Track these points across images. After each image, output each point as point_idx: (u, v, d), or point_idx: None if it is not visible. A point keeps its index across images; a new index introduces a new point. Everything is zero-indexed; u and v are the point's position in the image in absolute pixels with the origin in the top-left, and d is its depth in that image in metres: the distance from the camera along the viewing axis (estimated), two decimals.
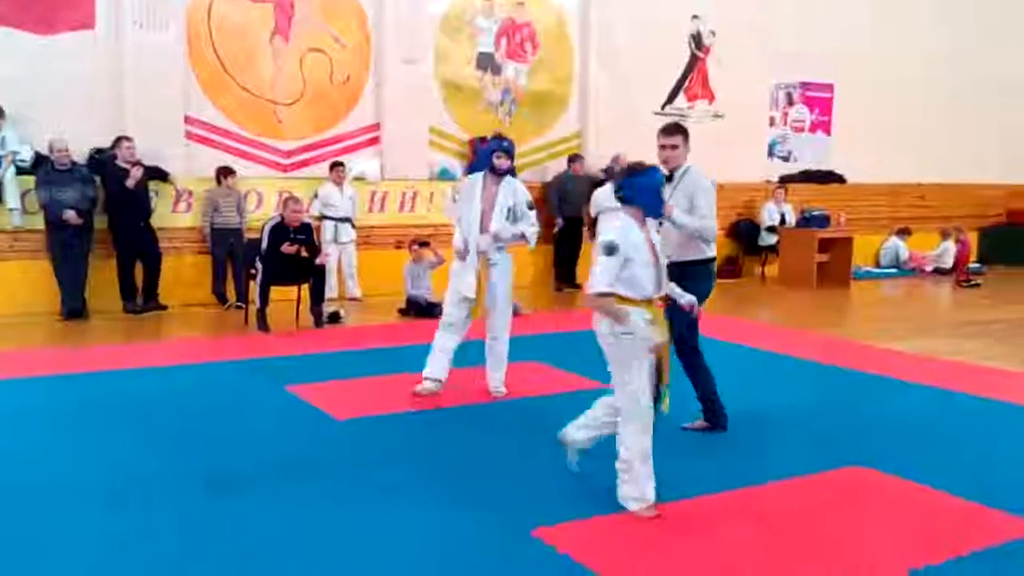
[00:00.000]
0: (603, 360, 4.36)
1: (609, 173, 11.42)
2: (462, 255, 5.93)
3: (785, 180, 13.66)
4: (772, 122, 13.98)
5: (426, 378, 6.01)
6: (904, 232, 14.25)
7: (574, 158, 11.75)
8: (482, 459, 4.81)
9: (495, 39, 11.77)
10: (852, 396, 6.34)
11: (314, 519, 3.94)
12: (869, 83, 14.04)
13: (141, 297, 9.31)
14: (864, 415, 5.79)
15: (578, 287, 11.47)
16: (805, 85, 14.11)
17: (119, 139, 9.14)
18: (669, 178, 5.01)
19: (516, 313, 6.90)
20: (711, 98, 13.30)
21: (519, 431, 5.35)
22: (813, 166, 14.21)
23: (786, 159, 14.13)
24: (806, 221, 12.65)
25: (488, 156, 5.95)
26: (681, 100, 13.10)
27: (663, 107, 12.92)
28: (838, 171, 14.30)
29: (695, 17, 13.08)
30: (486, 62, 11.76)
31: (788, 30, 13.12)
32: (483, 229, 5.89)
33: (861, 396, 6.35)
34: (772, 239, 12.91)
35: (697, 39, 13.19)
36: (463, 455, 4.88)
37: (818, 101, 14.32)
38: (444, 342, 6.03)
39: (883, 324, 9.75)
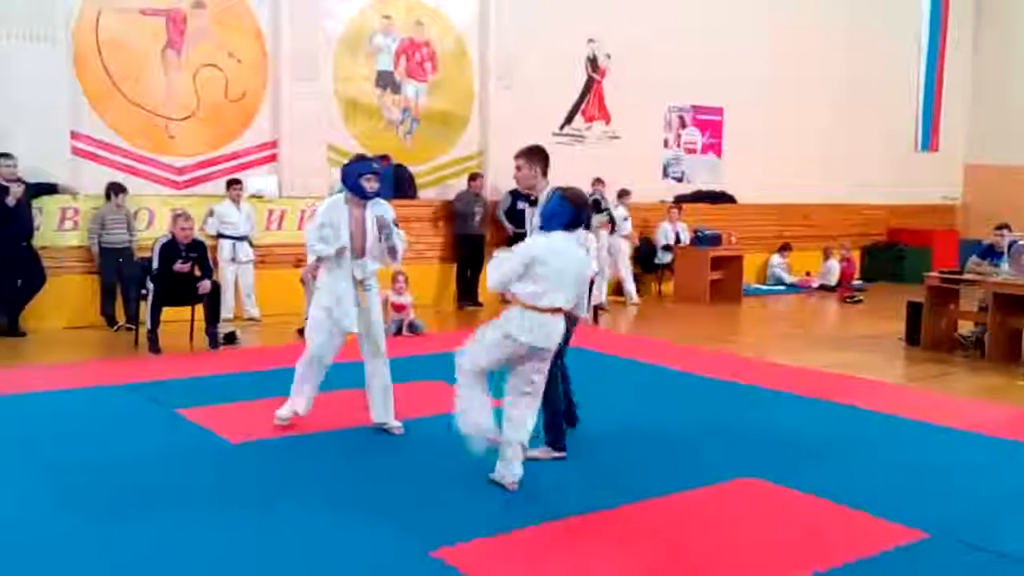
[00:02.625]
0: (504, 377, 4.42)
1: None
2: (331, 283, 5.54)
3: (679, 200, 14.05)
4: (666, 143, 14.38)
5: (291, 414, 5.69)
6: (785, 248, 14.85)
7: (475, 176, 11.82)
8: (382, 481, 4.78)
9: (394, 57, 11.76)
10: (741, 409, 6.55)
11: (205, 544, 3.84)
12: (757, 107, 14.59)
13: (4, 318, 8.82)
14: (752, 427, 5.99)
15: (480, 305, 11.53)
16: (696, 108, 14.56)
17: (1, 155, 8.75)
18: (534, 201, 5.30)
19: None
20: (608, 119, 13.59)
21: (419, 452, 5.33)
22: (705, 187, 14.66)
23: (680, 179, 14.54)
24: (699, 240, 13.03)
25: (355, 178, 5.46)
26: (579, 121, 13.34)
27: (561, 128, 13.13)
28: (729, 191, 14.80)
29: (591, 40, 13.36)
30: (385, 80, 11.73)
31: (680, 55, 13.53)
32: (356, 254, 5.53)
33: (749, 409, 6.56)
34: (668, 257, 13.26)
35: (593, 62, 13.47)
36: (362, 477, 4.84)
37: (709, 124, 14.80)
38: (313, 376, 5.67)
39: (771, 339, 10.12)
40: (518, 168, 5.29)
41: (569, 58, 13.13)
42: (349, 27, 11.40)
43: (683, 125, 14.51)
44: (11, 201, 8.61)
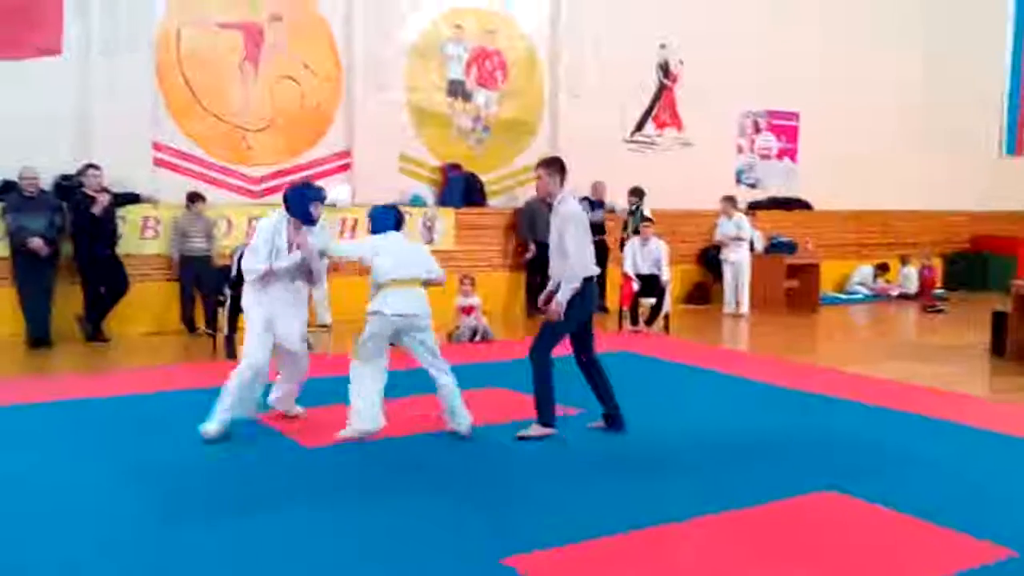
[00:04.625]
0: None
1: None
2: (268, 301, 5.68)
3: (753, 207, 13.82)
4: (740, 149, 14.17)
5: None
6: (882, 268, 14.44)
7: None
8: (453, 486, 4.78)
9: (465, 67, 11.85)
10: (819, 420, 6.38)
11: (280, 547, 3.89)
12: (833, 111, 14.28)
13: (89, 325, 9.11)
14: (831, 439, 5.83)
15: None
16: (771, 113, 14.32)
17: (86, 167, 9.06)
18: (550, 207, 5.81)
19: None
20: (679, 126, 13.46)
21: (490, 459, 5.32)
22: (780, 193, 14.40)
23: (753, 186, 14.31)
24: (774, 247, 12.78)
25: (304, 204, 5.63)
26: (650, 128, 13.24)
27: (632, 135, 13.06)
28: (804, 198, 14.50)
29: (663, 46, 13.26)
30: (456, 89, 11.82)
31: (754, 59, 13.33)
32: (292, 276, 5.75)
33: (827, 420, 6.39)
34: None
35: (665, 68, 13.36)
36: (434, 482, 4.85)
37: (784, 129, 14.54)
38: (258, 389, 5.73)
39: (850, 348, 9.86)
40: (539, 177, 5.78)
41: (640, 64, 13.05)
42: (421, 37, 11.53)
43: (757, 130, 14.29)
44: (97, 210, 8.91)
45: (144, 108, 9.83)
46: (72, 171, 9.27)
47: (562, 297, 5.57)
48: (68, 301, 9.04)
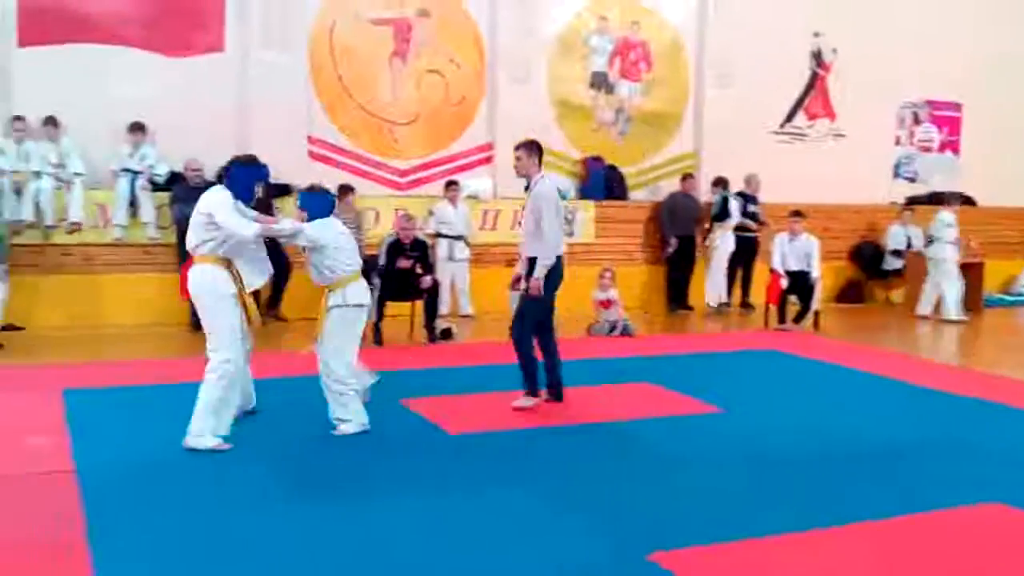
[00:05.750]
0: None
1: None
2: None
3: (912, 202, 13.12)
4: (898, 141, 13.47)
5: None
6: None
7: (687, 177, 11.59)
8: (596, 479, 4.74)
9: (609, 58, 11.74)
10: (981, 427, 5.98)
11: (423, 531, 3.95)
12: (1000, 101, 13.35)
13: (264, 308, 9.58)
14: (993, 448, 5.45)
15: (691, 308, 11.27)
16: (932, 103, 13.54)
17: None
18: (526, 188, 6.06)
19: None
20: (832, 116, 12.91)
21: (631, 452, 5.25)
22: (941, 188, 13.58)
23: (912, 180, 13.57)
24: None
25: (250, 181, 5.35)
26: (800, 118, 12.77)
27: (781, 125, 12.62)
28: (968, 193, 13.62)
29: (816, 34, 12.74)
30: (599, 81, 11.73)
31: (913, 47, 12.62)
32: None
33: (990, 427, 5.98)
34: (898, 263, 12.39)
35: (818, 56, 12.84)
36: (575, 474, 4.82)
37: (946, 120, 13.72)
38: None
39: (1015, 354, 9.21)
40: (518, 159, 6.02)
41: (791, 53, 12.58)
42: (565, 29, 11.50)
43: (917, 122, 13.53)
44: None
45: (299, 103, 10.21)
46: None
47: (539, 274, 5.88)
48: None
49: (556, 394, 6.24)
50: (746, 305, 11.55)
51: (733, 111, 11.92)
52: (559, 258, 6.04)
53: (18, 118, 8.95)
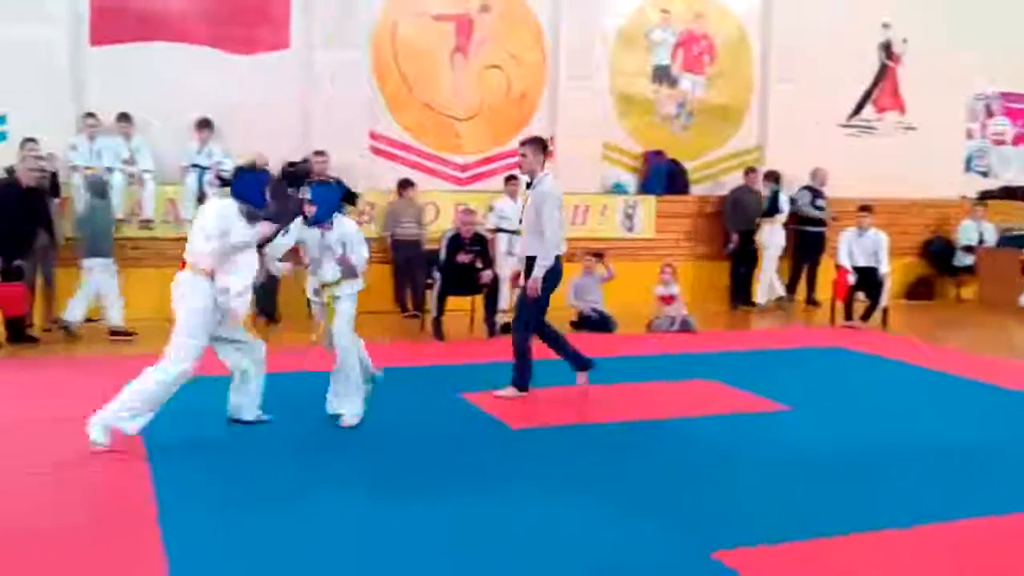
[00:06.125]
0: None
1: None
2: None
3: (985, 196, 12.73)
4: (969, 134, 13.07)
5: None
6: None
7: (750, 171, 11.41)
8: (658, 476, 4.69)
9: (671, 51, 11.61)
10: None
11: (486, 526, 3.95)
12: None
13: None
14: None
15: (753, 305, 11.10)
16: (1006, 95, 13.12)
17: (315, 153, 9.58)
18: (528, 184, 6.03)
19: None
20: (902, 109, 12.59)
21: (695, 449, 5.19)
22: (1016, 182, 13.16)
23: (985, 174, 13.16)
24: (1008, 241, 11.71)
25: (258, 188, 5.23)
26: (869, 111, 12.47)
27: (849, 118, 12.35)
28: None
29: (886, 25, 12.43)
30: (661, 75, 11.61)
31: (986, 38, 12.23)
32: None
33: None
34: (969, 259, 12.04)
35: (887, 48, 12.53)
36: (638, 471, 4.77)
37: (1020, 113, 13.27)
38: None
39: None
40: (523, 155, 5.99)
41: (860, 44, 12.28)
42: (627, 23, 11.40)
43: (990, 114, 13.12)
44: None
45: (362, 98, 10.30)
46: (297, 158, 9.85)
47: (538, 272, 5.83)
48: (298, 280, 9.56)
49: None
50: (812, 301, 11.34)
51: (799, 104, 11.69)
52: (558, 258, 6.01)
53: (90, 115, 9.19)
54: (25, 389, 6.31)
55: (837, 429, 5.60)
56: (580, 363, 6.19)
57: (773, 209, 11.13)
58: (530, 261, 5.98)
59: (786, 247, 11.21)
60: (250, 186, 5.16)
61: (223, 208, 5.12)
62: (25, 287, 7.92)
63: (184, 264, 5.09)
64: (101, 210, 8.40)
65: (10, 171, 8.05)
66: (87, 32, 9.35)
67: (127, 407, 4.85)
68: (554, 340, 6.29)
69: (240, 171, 5.43)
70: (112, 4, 9.40)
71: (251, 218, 5.10)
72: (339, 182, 6.28)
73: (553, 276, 6.00)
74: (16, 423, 5.42)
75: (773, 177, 11.25)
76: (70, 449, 4.80)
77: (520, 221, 6.18)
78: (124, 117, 9.30)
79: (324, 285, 5.60)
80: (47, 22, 9.15)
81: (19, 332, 7.92)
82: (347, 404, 5.49)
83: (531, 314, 6.05)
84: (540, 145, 6.02)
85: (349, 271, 5.55)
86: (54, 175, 8.69)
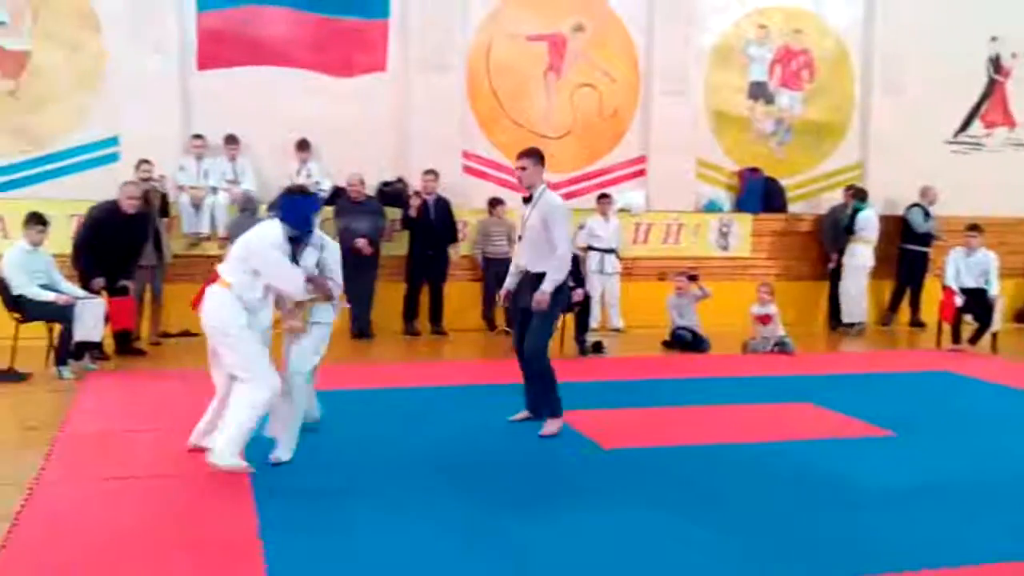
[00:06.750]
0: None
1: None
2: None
3: None
4: None
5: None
6: None
7: (850, 188, 11.09)
8: (755, 502, 4.55)
9: (768, 68, 11.42)
10: None
11: (581, 550, 3.89)
12: None
13: (427, 321, 9.76)
14: None
15: (851, 326, 10.74)
16: None
17: (425, 172, 9.72)
18: (528, 199, 5.76)
19: None
20: (1012, 124, 12.08)
21: (794, 475, 5.02)
22: None
23: None
24: None
25: (306, 211, 5.04)
26: (977, 127, 12.00)
27: (956, 135, 11.90)
28: None
29: (994, 39, 11.96)
30: (758, 91, 11.43)
31: None
32: None
33: None
34: None
35: (995, 62, 12.05)
36: (734, 496, 4.64)
37: None
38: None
39: None
40: (523, 168, 5.74)
41: (966, 59, 11.86)
42: (722, 39, 11.28)
43: None
44: (411, 212, 9.58)
45: (456, 119, 10.43)
46: (391, 178, 10.04)
47: (548, 287, 5.56)
48: (388, 296, 9.74)
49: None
50: (916, 323, 10.93)
51: (902, 120, 11.35)
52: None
53: (197, 136, 9.56)
54: (131, 399, 6.56)
55: (945, 456, 5.36)
56: (555, 408, 5.78)
57: (851, 227, 10.74)
58: (535, 278, 5.67)
59: (873, 268, 10.78)
60: (297, 210, 4.96)
61: (261, 233, 4.92)
62: (134, 301, 8.23)
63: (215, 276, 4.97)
64: (251, 225, 8.63)
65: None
66: (194, 58, 9.75)
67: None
68: (550, 371, 5.84)
69: (287, 193, 5.13)
70: (217, 30, 9.77)
71: (295, 242, 4.93)
72: (314, 194, 5.71)
73: (562, 291, 5.77)
74: (115, 432, 5.62)
75: (856, 194, 10.89)
76: (167, 459, 4.95)
77: (520, 237, 5.90)
78: (230, 139, 9.64)
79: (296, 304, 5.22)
80: (158, 49, 9.57)
81: (127, 345, 8.25)
82: (284, 436, 5.05)
83: (545, 332, 5.75)
84: (540, 158, 5.83)
85: (324, 293, 5.17)
86: (164, 196, 9.04)
